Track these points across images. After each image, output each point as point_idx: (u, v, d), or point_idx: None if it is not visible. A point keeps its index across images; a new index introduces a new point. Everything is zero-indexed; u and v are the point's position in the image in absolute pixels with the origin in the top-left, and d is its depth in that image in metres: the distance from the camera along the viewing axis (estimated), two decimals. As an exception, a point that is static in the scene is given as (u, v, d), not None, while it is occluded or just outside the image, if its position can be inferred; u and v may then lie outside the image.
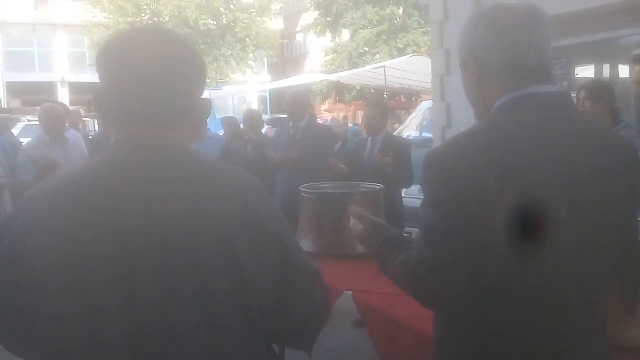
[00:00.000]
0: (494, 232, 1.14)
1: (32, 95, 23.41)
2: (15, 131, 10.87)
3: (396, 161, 4.05)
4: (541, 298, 1.20)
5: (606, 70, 6.35)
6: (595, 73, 6.29)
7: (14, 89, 25.93)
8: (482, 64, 1.29)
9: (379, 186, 3.30)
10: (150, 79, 1.05)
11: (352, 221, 1.58)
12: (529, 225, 1.14)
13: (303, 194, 3.20)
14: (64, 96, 25.54)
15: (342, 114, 18.29)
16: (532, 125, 1.21)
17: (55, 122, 4.63)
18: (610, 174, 1.23)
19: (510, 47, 1.26)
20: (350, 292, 2.50)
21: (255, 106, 23.71)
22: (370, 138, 4.50)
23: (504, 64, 1.27)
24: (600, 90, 3.64)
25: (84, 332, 0.97)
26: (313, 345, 1.29)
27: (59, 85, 27.03)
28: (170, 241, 0.99)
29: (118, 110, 1.09)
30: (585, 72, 6.41)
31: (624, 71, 6.24)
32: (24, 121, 13.42)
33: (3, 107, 21.19)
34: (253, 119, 5.45)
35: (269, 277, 1.05)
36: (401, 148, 4.32)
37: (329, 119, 11.55)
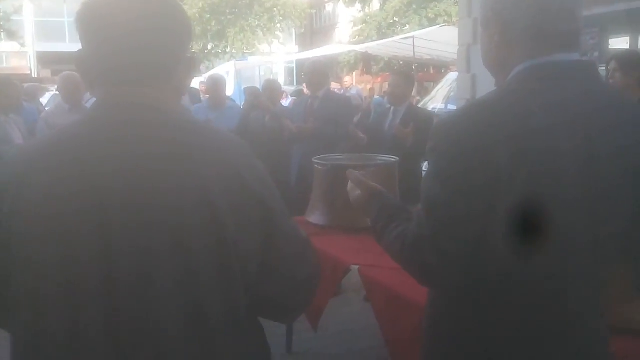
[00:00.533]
0: (500, 214, 1.08)
1: (62, 65, 23.57)
2: (44, 100, 11.05)
3: (417, 133, 3.93)
4: (544, 284, 1.15)
5: (642, 41, 6.09)
6: (630, 44, 6.04)
7: (45, 59, 26.29)
8: (506, 24, 1.19)
9: (394, 158, 3.21)
10: (131, 38, 1.02)
11: (350, 186, 1.52)
12: (539, 211, 1.08)
13: (316, 165, 3.14)
14: (93, 66, 25.68)
15: (368, 86, 18.06)
16: (552, 99, 1.13)
17: (74, 90, 4.64)
18: (627, 152, 1.15)
19: (540, 8, 1.16)
20: (357, 267, 2.44)
21: (281, 77, 23.65)
22: (392, 108, 4.41)
23: (531, 26, 1.17)
24: (631, 61, 3.50)
25: (61, 302, 0.95)
26: (297, 317, 1.25)
27: (88, 55, 27.16)
28: (147, 200, 0.96)
29: (98, 71, 1.06)
30: (619, 43, 6.17)
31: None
32: (53, 90, 13.60)
33: (33, 76, 21.52)
34: (272, 89, 5.38)
35: (252, 238, 1.02)
36: (423, 120, 4.20)
37: (351, 89, 11.38)
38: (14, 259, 0.97)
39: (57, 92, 7.44)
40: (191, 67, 1.13)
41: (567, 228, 1.12)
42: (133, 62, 1.03)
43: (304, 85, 13.68)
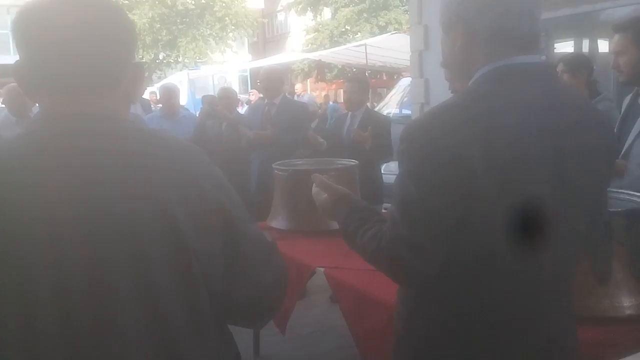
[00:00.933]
0: (475, 209, 1.10)
1: (7, 78, 22.76)
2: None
3: (375, 136, 3.99)
4: (516, 275, 1.18)
5: (585, 45, 6.32)
6: (575, 47, 6.27)
7: (-11, 71, 25.44)
8: (470, 28, 1.22)
9: (353, 162, 3.24)
10: (71, 45, 0.98)
11: (315, 189, 1.50)
12: (513, 203, 1.11)
13: (276, 171, 3.14)
14: (40, 78, 24.96)
15: (323, 93, 18.16)
16: (518, 98, 1.16)
17: (20, 102, 4.52)
18: (590, 150, 1.20)
19: (502, 12, 1.19)
20: (323, 269, 2.44)
21: (235, 86, 23.48)
22: (349, 113, 4.45)
23: (494, 29, 1.19)
24: (578, 63, 3.63)
25: (15, 313, 0.92)
26: (266, 322, 1.23)
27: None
28: (99, 213, 0.92)
29: (38, 79, 1.01)
30: (565, 46, 6.38)
31: (603, 46, 6.22)
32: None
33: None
34: (228, 97, 5.34)
35: (212, 244, 0.99)
36: (381, 123, 4.28)
37: (304, 96, 11.44)
38: None
39: (3, 105, 7.22)
40: (139, 73, 1.10)
41: (539, 221, 1.14)
42: (76, 71, 0.99)
43: (250, 93, 13.68)
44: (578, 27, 5.97)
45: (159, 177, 0.96)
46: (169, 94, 5.38)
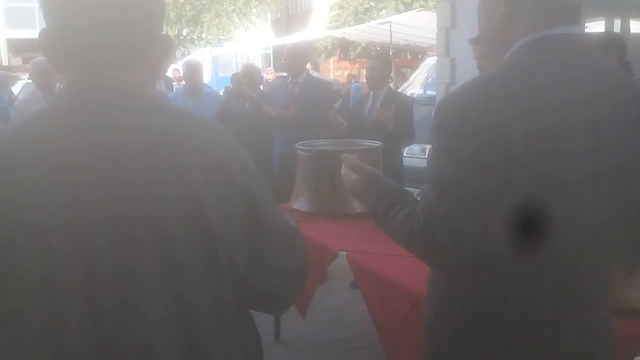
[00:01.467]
0: (513, 191, 1.07)
1: (34, 52, 23.15)
2: (16, 89, 10.79)
3: (397, 117, 3.92)
4: (554, 260, 1.14)
5: (617, 25, 6.14)
6: (606, 27, 6.09)
7: (15, 46, 25.64)
8: None
9: (377, 143, 3.20)
10: (99, 14, 0.94)
11: (344, 170, 1.46)
12: (552, 181, 1.08)
13: (299, 151, 3.11)
14: (65, 53, 25.18)
15: (346, 72, 18.01)
16: (558, 67, 1.13)
17: (46, 76, 4.53)
18: (630, 126, 1.15)
19: None
20: (345, 253, 2.42)
21: (258, 63, 23.42)
22: (372, 93, 4.37)
23: None
24: (611, 43, 3.53)
25: (41, 296, 0.91)
26: (287, 308, 1.21)
27: (60, 42, 26.58)
28: (125, 192, 0.91)
29: (66, 51, 0.98)
30: (596, 26, 6.21)
31: (635, 26, 6.04)
32: (24, 79, 13.28)
33: (3, 64, 21.00)
34: (250, 74, 5.29)
35: (238, 229, 0.97)
36: (403, 104, 4.19)
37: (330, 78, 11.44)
38: None
39: (29, 80, 7.31)
40: (166, 47, 1.06)
41: (577, 206, 1.12)
42: (103, 41, 0.96)
43: (268, 71, 13.59)
44: (610, 6, 5.78)
45: (185, 157, 0.94)
46: (193, 71, 5.33)
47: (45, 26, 0.99)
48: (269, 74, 14.02)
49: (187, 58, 13.13)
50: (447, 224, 1.10)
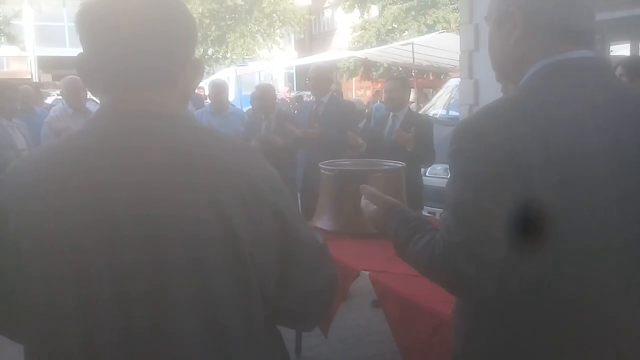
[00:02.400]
0: (533, 208, 1.05)
1: (63, 69, 23.57)
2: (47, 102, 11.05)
3: (417, 138, 3.93)
4: (583, 280, 1.12)
5: (643, 48, 6.10)
6: (631, 50, 6.05)
7: (45, 63, 26.23)
8: (530, 19, 1.18)
9: (400, 164, 3.21)
10: (134, 40, 0.98)
11: (364, 201, 1.47)
12: (573, 201, 1.06)
13: (322, 171, 3.14)
14: (93, 71, 25.71)
15: (368, 92, 18.09)
16: (575, 92, 1.13)
17: (77, 94, 4.65)
18: None
19: (566, 5, 1.16)
20: (368, 272, 2.43)
21: (281, 83, 23.65)
22: (391, 114, 4.39)
23: (555, 23, 1.17)
24: (636, 66, 3.49)
25: (75, 316, 0.93)
26: (316, 325, 1.22)
27: (88, 60, 27.13)
28: (159, 212, 0.93)
29: (102, 75, 1.02)
30: (621, 49, 6.17)
31: (662, 49, 5.98)
32: (54, 95, 13.57)
33: (34, 80, 21.48)
34: (261, 97, 5.04)
35: (269, 251, 0.99)
36: (423, 125, 4.19)
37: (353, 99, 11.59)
38: (25, 275, 0.94)
39: (59, 97, 7.48)
40: (197, 70, 1.09)
41: (601, 223, 1.10)
42: (137, 67, 1.00)
43: (285, 90, 13.72)
44: (635, 29, 5.75)
45: (218, 179, 0.95)
46: (218, 90, 5.41)
47: (81, 50, 1.02)
48: (286, 93, 14.30)
49: (212, 77, 13.34)
50: (468, 250, 1.08)
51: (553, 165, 1.05)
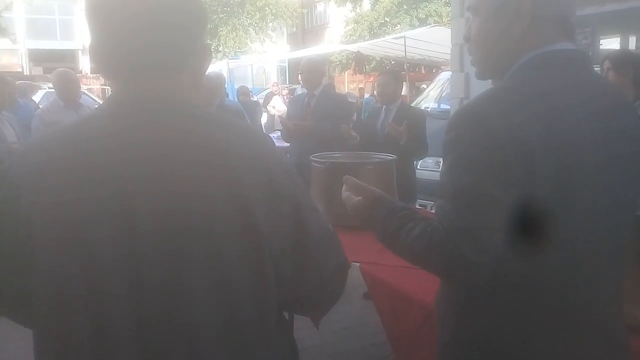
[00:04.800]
0: (534, 194, 1.06)
1: (54, 62, 23.46)
2: (36, 98, 10.96)
3: (410, 131, 3.95)
4: (572, 267, 1.14)
5: (632, 42, 6.13)
6: (621, 44, 6.09)
7: (36, 56, 26.08)
8: (538, 11, 1.19)
9: (391, 156, 3.22)
10: (145, 27, 0.99)
11: (345, 193, 1.42)
12: (569, 189, 1.09)
13: (313, 163, 3.14)
14: (85, 64, 25.67)
15: (359, 86, 18.10)
16: (565, 82, 1.16)
17: (69, 87, 4.64)
18: (629, 135, 1.19)
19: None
20: (358, 264, 2.44)
21: (274, 76, 23.60)
22: (384, 107, 4.41)
23: (560, 14, 1.20)
24: (625, 61, 3.51)
25: (85, 307, 0.93)
26: (326, 313, 1.22)
27: (80, 53, 27.02)
28: (176, 206, 0.93)
29: (113, 61, 1.03)
30: (611, 43, 6.20)
31: (651, 43, 6.03)
32: (45, 88, 13.47)
33: (25, 74, 21.33)
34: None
35: (283, 229, 1.00)
36: (415, 118, 4.21)
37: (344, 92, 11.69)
38: (37, 264, 0.94)
39: (50, 90, 7.45)
40: (207, 56, 1.10)
41: (596, 206, 1.13)
42: (150, 55, 1.01)
43: (273, 84, 13.76)
44: (625, 23, 5.78)
45: (234, 160, 0.97)
46: (211, 84, 5.31)
47: (90, 39, 1.03)
48: (273, 86, 14.53)
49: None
50: (471, 235, 1.07)
51: (552, 152, 1.06)
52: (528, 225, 1.07)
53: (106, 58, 1.03)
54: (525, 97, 1.11)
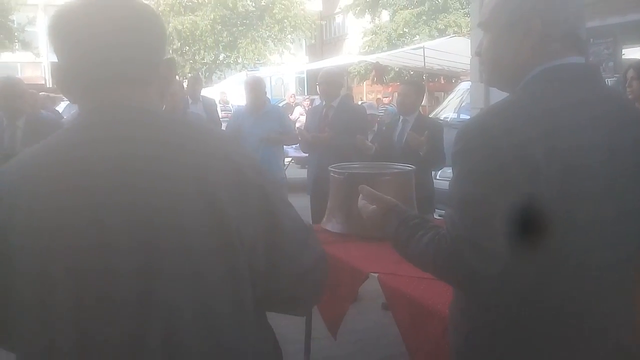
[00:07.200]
0: (537, 207, 1.08)
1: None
2: (59, 109, 11.16)
3: (428, 142, 3.93)
4: (582, 275, 1.15)
5: (655, 52, 6.06)
6: (644, 54, 6.01)
7: (58, 69, 26.50)
8: (548, 27, 1.21)
9: (410, 167, 3.21)
10: (108, 43, 1.02)
11: (361, 202, 1.47)
12: (574, 200, 1.10)
13: (332, 174, 3.14)
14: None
15: (377, 96, 18.15)
16: (573, 97, 1.17)
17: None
18: (639, 148, 1.19)
19: (574, 12, 1.22)
20: (377, 275, 2.43)
21: (292, 87, 23.75)
22: (402, 118, 4.40)
23: (565, 30, 1.22)
24: (647, 69, 3.47)
25: (68, 317, 0.95)
26: (310, 309, 1.23)
27: (101, 65, 27.35)
28: (147, 205, 0.95)
29: (80, 81, 1.06)
30: (633, 52, 6.14)
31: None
32: (67, 100, 13.70)
33: (47, 86, 21.71)
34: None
35: (255, 227, 1.01)
36: (433, 129, 4.19)
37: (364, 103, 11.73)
38: (17, 273, 0.96)
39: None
40: (171, 70, 1.13)
41: (601, 219, 1.14)
42: (113, 72, 1.04)
43: (289, 96, 14.01)
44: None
45: (201, 159, 0.99)
46: (250, 88, 5.02)
47: (56, 60, 1.06)
48: (290, 98, 14.73)
49: (223, 82, 13.42)
50: (474, 244, 1.10)
51: (554, 156, 1.09)
52: (533, 236, 1.09)
53: (74, 79, 1.06)
54: (531, 115, 1.13)
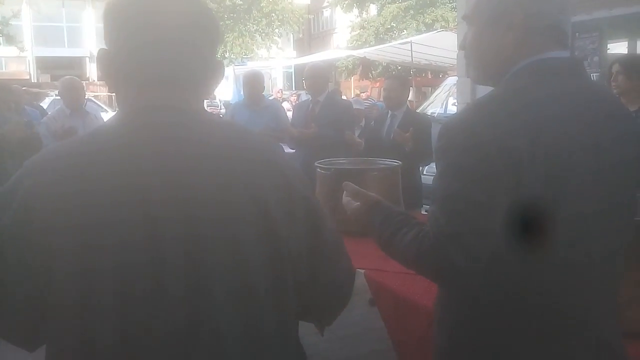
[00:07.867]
0: (521, 201, 1.08)
1: (61, 69, 23.69)
2: (44, 105, 11.06)
3: (416, 137, 3.93)
4: (566, 270, 1.15)
5: (640, 47, 6.10)
6: (629, 48, 6.05)
7: (43, 64, 26.28)
8: (530, 20, 1.21)
9: (396, 162, 3.21)
10: (162, 38, 0.99)
11: (345, 198, 1.47)
12: (558, 193, 1.10)
13: (318, 169, 3.14)
14: (92, 71, 25.88)
15: (365, 92, 18.17)
16: (559, 91, 1.16)
17: (75, 94, 4.65)
18: (624, 142, 1.19)
19: (558, 5, 1.22)
20: (363, 271, 2.43)
21: (280, 82, 23.71)
22: (390, 113, 4.38)
23: (553, 24, 1.22)
24: (635, 65, 3.48)
25: (111, 313, 0.92)
26: (333, 320, 1.22)
27: (87, 60, 27.23)
28: (199, 212, 0.93)
29: (126, 70, 1.02)
30: (618, 47, 6.18)
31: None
32: (52, 95, 13.58)
33: (32, 81, 21.50)
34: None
35: (300, 237, 1.01)
36: (421, 124, 4.18)
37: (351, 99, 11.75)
38: (58, 271, 0.92)
39: (58, 97, 7.49)
40: (218, 72, 1.10)
41: (586, 213, 1.13)
42: (164, 63, 1.00)
43: (276, 91, 14.04)
44: (632, 27, 5.75)
45: (252, 165, 0.99)
46: (248, 80, 5.01)
47: (106, 45, 1.02)
48: (276, 93, 14.73)
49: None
50: (458, 242, 1.09)
51: (540, 161, 1.08)
52: (516, 231, 1.09)
53: (123, 67, 1.02)
54: (514, 107, 1.12)
